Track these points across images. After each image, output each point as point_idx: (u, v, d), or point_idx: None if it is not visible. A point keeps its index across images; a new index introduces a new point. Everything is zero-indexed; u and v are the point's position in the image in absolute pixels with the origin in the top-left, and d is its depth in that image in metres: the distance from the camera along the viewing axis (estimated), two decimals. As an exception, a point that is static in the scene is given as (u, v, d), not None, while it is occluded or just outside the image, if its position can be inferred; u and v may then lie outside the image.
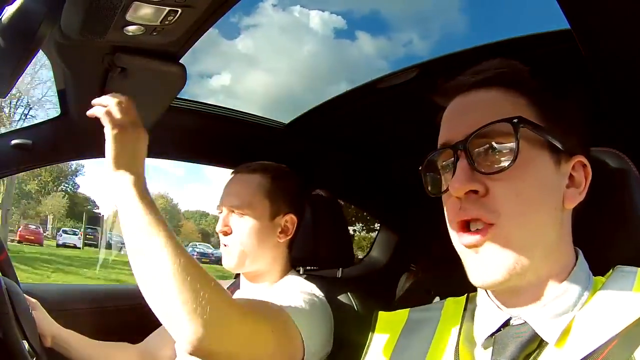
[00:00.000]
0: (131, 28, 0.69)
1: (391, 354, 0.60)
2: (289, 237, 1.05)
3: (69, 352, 1.03)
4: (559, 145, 0.49)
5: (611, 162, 0.57)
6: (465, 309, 0.57)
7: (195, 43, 0.81)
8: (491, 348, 0.50)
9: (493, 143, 0.49)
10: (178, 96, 1.17)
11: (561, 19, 0.68)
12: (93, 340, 1.07)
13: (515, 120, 0.47)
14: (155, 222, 0.69)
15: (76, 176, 27.60)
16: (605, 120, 0.87)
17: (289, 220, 1.04)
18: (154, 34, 0.71)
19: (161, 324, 0.69)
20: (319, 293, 0.98)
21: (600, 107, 0.84)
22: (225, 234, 1.01)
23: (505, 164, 0.47)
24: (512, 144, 0.47)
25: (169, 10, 0.65)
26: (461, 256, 0.51)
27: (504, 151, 0.48)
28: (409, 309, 0.64)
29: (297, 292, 0.93)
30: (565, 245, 0.51)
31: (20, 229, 17.57)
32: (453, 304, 0.60)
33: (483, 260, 0.48)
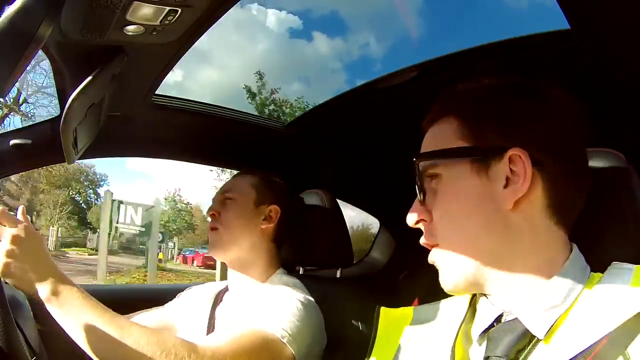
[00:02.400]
0: (131, 28, 0.70)
1: (396, 352, 0.60)
2: (272, 225, 1.09)
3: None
4: (482, 154, 0.52)
5: (610, 162, 0.57)
6: (467, 308, 0.58)
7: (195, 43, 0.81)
8: (485, 344, 0.51)
9: (427, 176, 0.55)
10: (177, 96, 1.18)
11: (561, 19, 0.68)
12: None
13: (414, 160, 0.55)
14: (88, 309, 0.73)
15: (100, 186, 25.25)
16: (605, 120, 0.87)
17: (273, 210, 1.11)
18: (154, 33, 0.72)
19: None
20: (304, 295, 0.99)
21: (600, 107, 0.84)
22: (213, 216, 1.09)
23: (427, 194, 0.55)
24: (436, 175, 0.54)
25: (169, 10, 0.65)
26: None
27: (427, 183, 0.55)
28: (413, 307, 0.65)
29: (283, 298, 0.95)
30: (535, 245, 0.50)
31: (190, 253, 17.75)
32: (458, 303, 0.60)
33: (440, 272, 0.55)
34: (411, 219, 0.56)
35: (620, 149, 0.58)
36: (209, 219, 1.11)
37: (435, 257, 0.55)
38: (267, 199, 1.11)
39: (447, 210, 0.53)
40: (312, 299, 0.99)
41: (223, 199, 1.11)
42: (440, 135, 0.56)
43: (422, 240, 0.56)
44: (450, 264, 0.53)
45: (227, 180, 1.21)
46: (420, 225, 0.56)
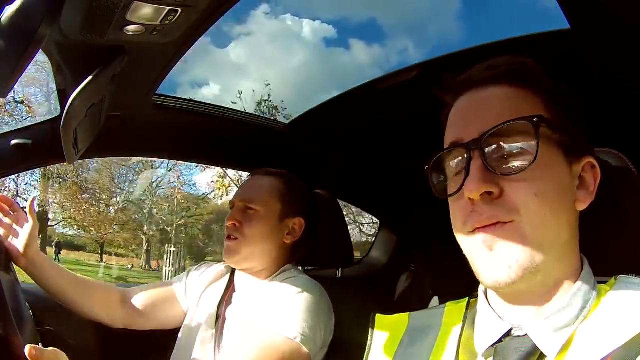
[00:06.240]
0: (131, 28, 0.69)
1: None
2: (295, 239, 1.08)
3: (42, 279, 1.00)
4: (572, 146, 0.50)
5: (611, 162, 0.57)
6: (465, 316, 0.56)
7: (195, 43, 0.81)
8: (492, 359, 0.49)
9: (509, 142, 0.48)
10: (179, 97, 1.18)
11: (561, 19, 0.68)
12: (71, 273, 1.05)
13: (535, 119, 0.46)
14: None
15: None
16: (605, 120, 0.87)
17: (297, 223, 1.08)
18: (154, 33, 0.71)
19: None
20: (312, 285, 0.99)
21: (600, 107, 0.84)
22: (235, 226, 1.03)
23: (523, 163, 0.46)
24: (531, 144, 0.46)
25: (169, 10, 0.65)
26: (471, 257, 0.50)
27: (521, 151, 0.47)
28: (408, 313, 0.63)
29: (292, 297, 0.95)
30: (575, 249, 0.51)
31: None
32: (454, 310, 0.59)
33: (497, 257, 0.47)
34: (477, 187, 0.46)
35: (620, 149, 0.58)
36: (228, 226, 1.05)
37: (502, 235, 0.46)
38: (292, 211, 1.07)
39: (542, 189, 0.46)
40: (319, 288, 1.00)
41: (245, 208, 1.05)
42: (526, 103, 0.50)
43: (488, 217, 0.47)
44: (518, 247, 0.46)
45: (246, 180, 1.15)
46: (483, 198, 0.47)
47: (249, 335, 0.92)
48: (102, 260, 17.56)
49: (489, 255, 0.47)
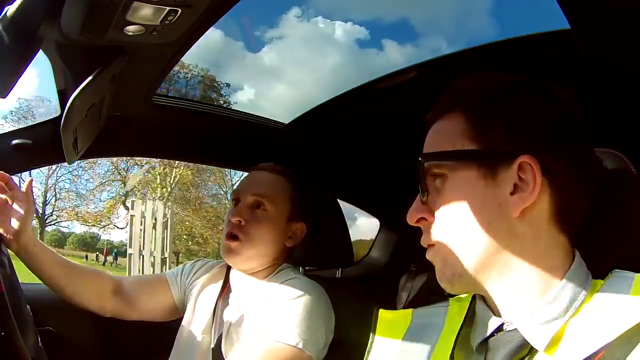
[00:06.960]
0: (131, 28, 0.69)
1: (394, 355, 0.59)
2: (295, 244, 1.07)
3: (33, 264, 0.97)
4: (485, 158, 0.50)
5: (610, 162, 0.57)
6: (467, 313, 0.57)
7: (195, 43, 0.81)
8: (484, 353, 0.50)
9: (430, 175, 0.54)
10: (178, 97, 1.17)
11: (561, 19, 0.68)
12: (63, 259, 1.03)
13: (420, 159, 0.53)
14: None
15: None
16: (605, 120, 0.86)
17: (300, 227, 1.07)
18: (154, 33, 0.72)
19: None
20: (311, 287, 0.99)
21: (600, 106, 0.84)
22: (240, 224, 1.00)
23: (425, 197, 0.53)
24: (441, 175, 0.52)
25: (169, 10, 0.65)
26: None
27: (438, 181, 0.53)
28: (411, 309, 0.64)
29: (291, 303, 0.94)
30: (534, 252, 0.49)
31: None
32: (457, 308, 0.59)
33: (437, 271, 0.54)
34: (411, 217, 0.55)
35: (620, 149, 0.58)
36: (233, 222, 1.00)
37: (432, 256, 0.54)
38: (298, 215, 1.06)
39: (449, 212, 0.51)
40: (318, 289, 0.99)
41: (254, 206, 1.02)
42: (446, 132, 0.54)
43: (422, 240, 0.54)
44: (446, 264, 0.52)
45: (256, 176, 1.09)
46: (420, 224, 0.54)
47: (249, 344, 0.91)
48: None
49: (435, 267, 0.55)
